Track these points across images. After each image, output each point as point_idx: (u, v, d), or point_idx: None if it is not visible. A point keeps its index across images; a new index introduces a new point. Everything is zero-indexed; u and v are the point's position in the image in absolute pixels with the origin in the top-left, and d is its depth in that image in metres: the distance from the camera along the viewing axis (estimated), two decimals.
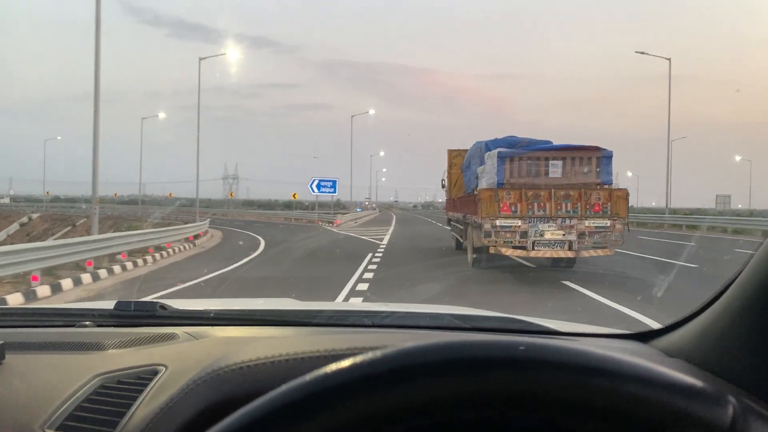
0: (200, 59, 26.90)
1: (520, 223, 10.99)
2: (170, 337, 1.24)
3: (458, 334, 1.34)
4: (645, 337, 1.14)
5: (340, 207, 71.24)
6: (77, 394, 1.01)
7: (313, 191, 43.28)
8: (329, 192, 44.07)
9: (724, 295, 0.84)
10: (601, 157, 11.08)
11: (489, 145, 13.31)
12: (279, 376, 0.60)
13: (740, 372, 0.76)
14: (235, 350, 0.98)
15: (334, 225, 35.87)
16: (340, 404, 0.47)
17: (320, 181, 43.51)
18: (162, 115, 49.60)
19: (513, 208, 11.03)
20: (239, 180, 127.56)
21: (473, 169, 14.20)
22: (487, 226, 11.00)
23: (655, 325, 1.13)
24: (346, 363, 0.50)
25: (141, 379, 1.03)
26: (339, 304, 1.97)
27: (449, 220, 17.75)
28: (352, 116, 51.42)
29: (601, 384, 0.49)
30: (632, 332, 1.22)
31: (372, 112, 59.49)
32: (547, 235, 10.97)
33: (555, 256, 11.12)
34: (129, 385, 1.02)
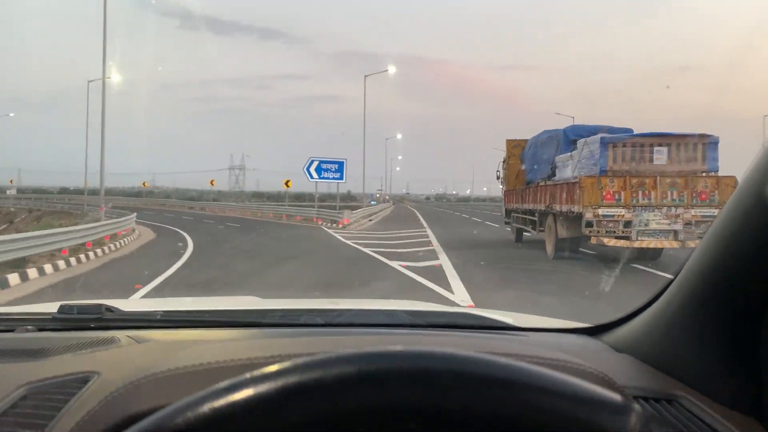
0: None
1: (623, 212, 10.54)
2: (111, 342, 1.21)
3: (411, 331, 1.36)
4: (595, 331, 1.19)
5: (350, 199, 58.19)
6: None
7: (312, 176, 31.13)
8: (334, 178, 32.22)
9: (668, 290, 0.89)
10: (708, 143, 10.70)
11: (568, 133, 12.83)
12: (196, 386, 0.58)
13: (682, 366, 0.83)
14: (167, 357, 0.96)
15: (340, 225, 25.58)
16: (231, 420, 0.48)
17: (321, 162, 31.39)
18: (118, 78, 31.36)
19: (616, 197, 10.57)
20: (246, 170, 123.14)
21: (545, 158, 13.68)
22: (588, 215, 10.50)
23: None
24: (242, 382, 0.51)
25: (69, 388, 0.96)
26: (293, 301, 1.97)
27: (509, 212, 17.19)
28: (366, 76, 37.75)
29: (502, 395, 0.49)
30: (583, 326, 1.25)
31: (392, 70, 44.20)
32: (653, 225, 10.53)
33: (660, 246, 10.67)
34: (55, 395, 0.95)
